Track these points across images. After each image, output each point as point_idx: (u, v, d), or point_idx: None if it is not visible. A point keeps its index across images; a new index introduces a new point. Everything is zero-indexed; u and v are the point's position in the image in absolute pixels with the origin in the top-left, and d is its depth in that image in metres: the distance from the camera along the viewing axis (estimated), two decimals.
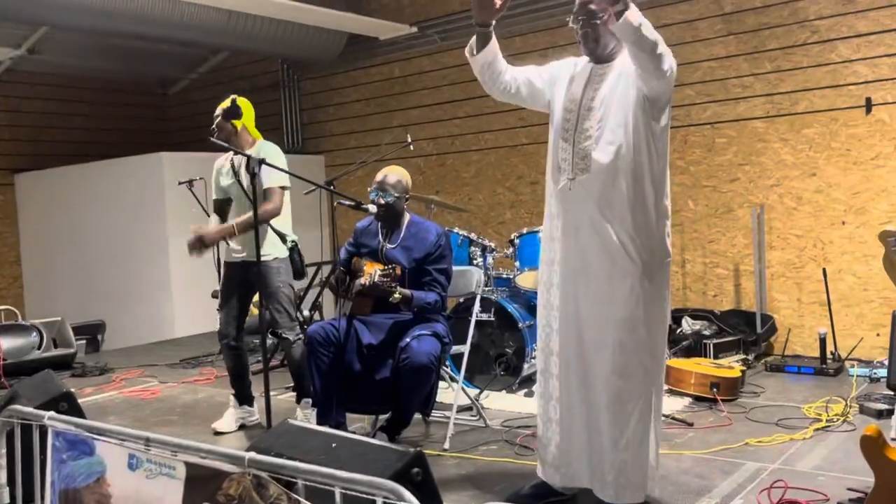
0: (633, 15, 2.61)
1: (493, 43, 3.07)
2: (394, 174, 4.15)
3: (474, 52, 3.09)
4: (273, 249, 4.39)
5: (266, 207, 4.27)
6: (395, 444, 3.48)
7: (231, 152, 4.39)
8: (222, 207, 4.60)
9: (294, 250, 4.44)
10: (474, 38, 3.09)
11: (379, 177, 4.15)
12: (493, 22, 3.03)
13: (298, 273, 4.49)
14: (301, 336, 4.40)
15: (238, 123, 4.42)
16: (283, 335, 4.40)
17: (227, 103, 4.45)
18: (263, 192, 4.31)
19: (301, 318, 6.38)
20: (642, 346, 2.94)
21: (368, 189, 4.19)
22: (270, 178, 4.29)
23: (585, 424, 3.03)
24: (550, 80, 3.15)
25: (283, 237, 4.37)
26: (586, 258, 2.97)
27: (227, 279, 4.52)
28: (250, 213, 4.07)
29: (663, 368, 3.13)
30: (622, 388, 2.93)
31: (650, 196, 2.92)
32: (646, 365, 2.96)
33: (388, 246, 4.19)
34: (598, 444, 3.00)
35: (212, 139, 4.21)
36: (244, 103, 4.50)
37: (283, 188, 4.36)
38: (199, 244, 4.27)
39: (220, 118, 4.42)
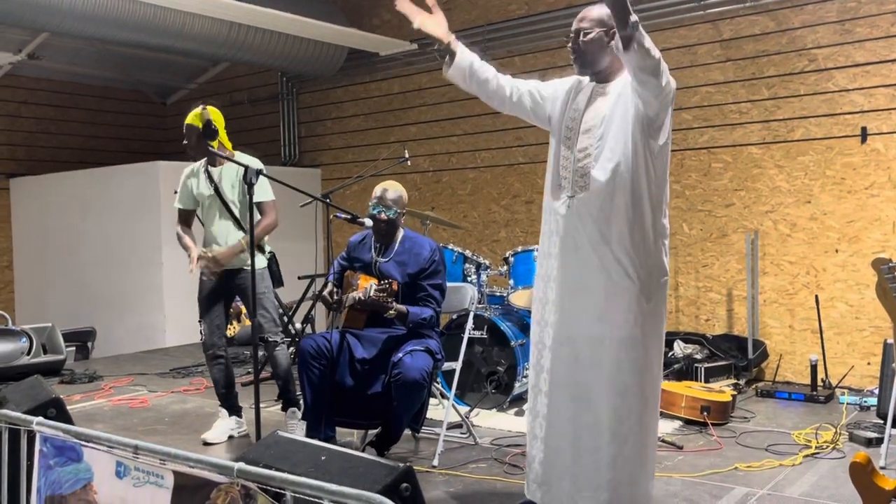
0: (642, 40, 2.62)
1: (461, 53, 3.07)
2: (393, 190, 4.16)
3: (448, 70, 3.11)
4: (256, 259, 4.44)
5: (266, 221, 4.40)
6: (385, 459, 3.47)
7: (202, 161, 4.48)
8: (188, 218, 4.60)
9: (272, 260, 4.59)
10: (446, 58, 3.10)
11: (378, 192, 4.15)
12: (450, 39, 3.04)
13: (277, 281, 4.63)
14: (285, 340, 4.55)
15: (215, 143, 4.41)
16: (269, 339, 4.43)
17: (197, 121, 4.37)
18: (258, 205, 4.35)
19: (294, 331, 6.40)
20: (640, 365, 2.94)
21: (368, 203, 4.18)
22: (263, 193, 4.33)
23: (573, 443, 3.01)
24: (553, 96, 3.17)
25: (261, 248, 4.50)
26: (584, 276, 2.97)
27: (207, 290, 4.52)
28: (255, 232, 4.26)
29: (659, 388, 3.12)
30: (620, 407, 2.93)
31: (648, 214, 2.93)
32: (643, 384, 2.95)
33: (382, 260, 4.19)
34: (590, 463, 2.98)
35: (191, 152, 4.27)
36: (217, 116, 4.45)
37: (273, 201, 4.46)
38: (216, 265, 4.35)
39: (194, 139, 4.38)
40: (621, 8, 2.58)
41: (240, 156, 4.45)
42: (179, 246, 4.53)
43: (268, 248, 4.57)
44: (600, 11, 2.94)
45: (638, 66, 2.70)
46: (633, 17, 2.59)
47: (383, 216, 4.09)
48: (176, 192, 4.62)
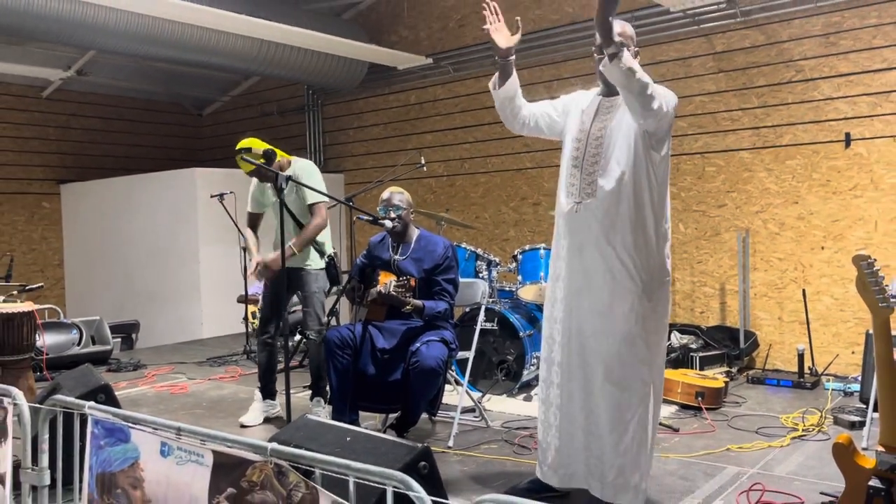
0: (625, 59, 2.64)
1: (515, 79, 3.11)
2: (397, 192, 4.23)
3: (497, 87, 3.12)
4: (313, 260, 4.50)
5: (314, 222, 4.39)
6: (404, 440, 3.49)
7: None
8: (255, 221, 4.67)
9: (331, 262, 4.53)
10: (497, 73, 3.10)
11: (385, 195, 4.21)
12: (513, 55, 3.05)
13: (334, 281, 4.60)
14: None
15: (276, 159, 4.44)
16: (310, 336, 4.45)
17: (250, 164, 4.28)
18: (308, 207, 4.39)
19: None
20: (640, 360, 2.94)
21: (377, 208, 4.22)
22: (315, 195, 4.34)
23: (583, 429, 3.03)
24: (564, 111, 3.19)
25: (321, 251, 4.48)
26: (589, 276, 2.98)
27: (273, 281, 4.54)
28: (303, 234, 4.33)
29: (661, 380, 3.11)
30: (620, 398, 2.93)
31: (650, 220, 2.93)
32: (643, 377, 2.95)
33: (399, 258, 4.22)
34: (597, 448, 3.00)
35: (263, 169, 4.24)
36: (256, 143, 4.38)
37: (323, 203, 4.42)
38: (266, 270, 4.37)
39: (266, 166, 4.31)
40: (608, 28, 2.61)
41: (295, 160, 4.51)
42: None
43: (329, 251, 4.52)
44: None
45: (619, 82, 2.71)
46: (618, 39, 2.64)
47: (392, 214, 4.14)
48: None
